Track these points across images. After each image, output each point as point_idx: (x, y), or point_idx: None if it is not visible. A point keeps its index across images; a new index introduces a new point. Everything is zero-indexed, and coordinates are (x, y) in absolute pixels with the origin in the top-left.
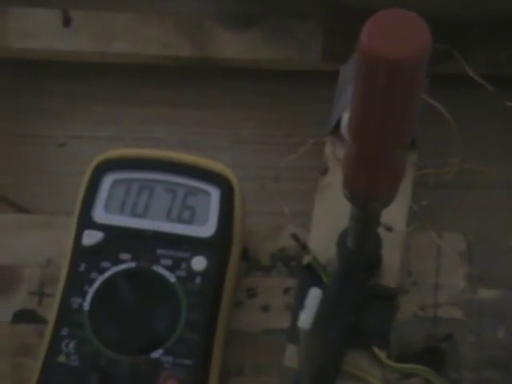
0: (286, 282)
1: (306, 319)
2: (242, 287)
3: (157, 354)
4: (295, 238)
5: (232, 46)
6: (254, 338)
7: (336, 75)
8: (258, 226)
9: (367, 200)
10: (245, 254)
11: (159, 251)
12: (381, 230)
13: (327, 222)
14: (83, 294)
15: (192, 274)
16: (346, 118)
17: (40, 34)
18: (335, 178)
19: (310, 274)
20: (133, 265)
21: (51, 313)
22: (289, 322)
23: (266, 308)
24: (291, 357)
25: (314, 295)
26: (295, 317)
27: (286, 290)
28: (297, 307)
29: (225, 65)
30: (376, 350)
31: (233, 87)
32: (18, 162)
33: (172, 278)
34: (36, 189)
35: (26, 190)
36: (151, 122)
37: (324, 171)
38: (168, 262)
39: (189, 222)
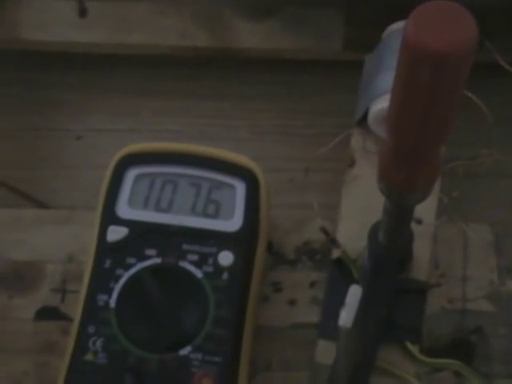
0: (312, 275)
1: (346, 317)
2: (268, 281)
3: (185, 351)
4: (324, 231)
5: (251, 36)
6: (281, 332)
7: (357, 64)
8: (281, 219)
9: (403, 195)
10: (269, 248)
11: (185, 246)
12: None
13: (355, 215)
14: (109, 291)
15: (219, 269)
16: (373, 109)
17: (56, 25)
18: (362, 171)
19: (340, 269)
20: (158, 261)
21: (76, 310)
22: (317, 316)
23: (292, 302)
24: (323, 353)
25: (354, 292)
26: (325, 312)
27: (312, 284)
28: (326, 302)
29: (243, 55)
30: (409, 344)
31: (252, 78)
32: (34, 156)
33: (199, 273)
34: (54, 183)
35: (44, 184)
36: (169, 114)
37: (351, 163)
38: (194, 258)
39: (214, 216)
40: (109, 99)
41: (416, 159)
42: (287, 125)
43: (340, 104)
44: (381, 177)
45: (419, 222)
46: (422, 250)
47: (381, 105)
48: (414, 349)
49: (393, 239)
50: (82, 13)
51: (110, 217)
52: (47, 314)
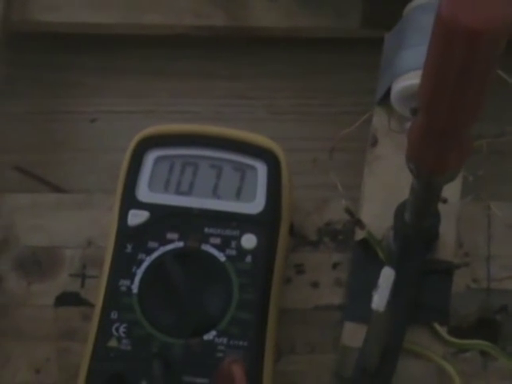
0: (335, 256)
1: (380, 301)
2: (290, 263)
3: (210, 336)
4: (349, 212)
5: (267, 15)
6: (304, 315)
7: (375, 42)
8: (301, 201)
9: (432, 174)
10: (290, 230)
11: (207, 230)
12: None
13: (379, 195)
14: (131, 276)
15: (242, 252)
16: (396, 87)
17: (69, 6)
18: (385, 150)
19: (364, 250)
20: (181, 244)
21: (98, 296)
22: (340, 298)
23: (315, 284)
24: (350, 335)
25: (387, 275)
26: (351, 294)
27: (335, 265)
28: (352, 284)
29: (260, 34)
30: (437, 326)
31: (268, 57)
32: (49, 139)
33: (222, 257)
34: (69, 167)
35: (59, 168)
36: (185, 95)
37: (373, 143)
38: (217, 241)
39: (236, 198)
40: (123, 81)
41: (447, 138)
42: (305, 104)
43: (358, 82)
44: (410, 156)
45: (444, 201)
46: (447, 229)
47: (404, 83)
48: (442, 330)
49: (420, 219)
50: None
51: (130, 200)
52: (67, 299)
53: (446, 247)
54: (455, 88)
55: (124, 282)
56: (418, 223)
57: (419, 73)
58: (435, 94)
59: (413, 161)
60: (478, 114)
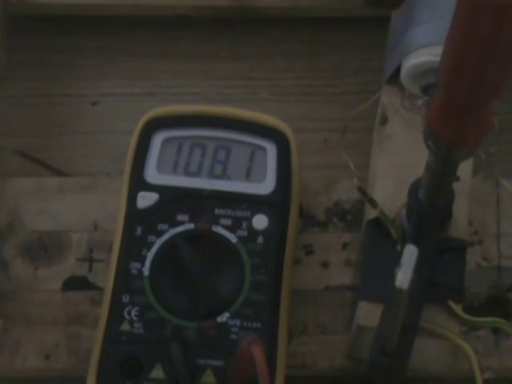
0: (344, 237)
1: (403, 278)
2: (299, 244)
3: (223, 318)
4: (362, 191)
5: None
6: (314, 295)
7: (379, 20)
8: (309, 181)
9: (450, 151)
10: (300, 211)
11: (217, 211)
12: None
13: (390, 174)
14: (142, 259)
15: (254, 233)
16: (406, 65)
17: None
18: (395, 128)
19: (376, 229)
20: (191, 226)
21: (108, 279)
22: (350, 278)
23: (325, 264)
24: (365, 315)
25: (411, 252)
26: (365, 274)
27: (345, 246)
28: (365, 264)
29: (262, 13)
30: (452, 303)
31: (271, 37)
32: (50, 122)
33: (233, 238)
34: (71, 150)
35: (61, 151)
36: (187, 76)
37: (383, 121)
38: (228, 222)
39: (246, 179)
40: (124, 63)
41: (467, 114)
42: (308, 84)
43: (362, 62)
44: (429, 132)
45: (457, 179)
46: (459, 207)
47: (414, 60)
48: (457, 308)
49: (435, 197)
50: None
51: (138, 183)
52: (75, 284)
53: (459, 225)
54: (477, 64)
55: (135, 265)
56: (432, 201)
57: (429, 50)
58: (457, 69)
59: (431, 137)
60: (499, 91)
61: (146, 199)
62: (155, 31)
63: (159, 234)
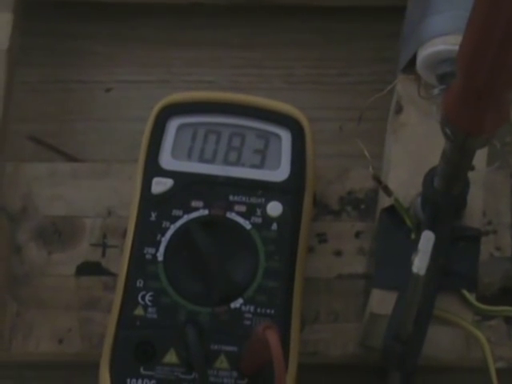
0: (357, 225)
1: (420, 264)
2: (312, 233)
3: (237, 304)
4: (377, 179)
5: None
6: (327, 283)
7: (394, 10)
8: (322, 170)
9: (468, 138)
10: (313, 199)
11: (232, 197)
12: None
13: (405, 162)
14: (156, 244)
15: (268, 220)
16: (422, 54)
17: None
18: (410, 117)
19: (390, 218)
20: (205, 212)
21: (122, 264)
22: (363, 266)
23: (338, 253)
24: (378, 303)
25: (428, 238)
26: (379, 262)
27: (358, 234)
28: (379, 252)
29: (276, 2)
30: (465, 292)
31: (284, 25)
32: (64, 109)
33: (247, 225)
34: (84, 136)
35: (74, 138)
36: (201, 64)
37: (398, 110)
38: (242, 209)
39: (260, 166)
40: (138, 50)
41: (486, 101)
42: (321, 74)
43: (375, 51)
44: (447, 119)
45: (472, 168)
46: (474, 196)
47: (431, 49)
48: (470, 296)
49: (450, 186)
50: None
51: (153, 168)
52: (88, 269)
53: (473, 215)
54: (498, 50)
55: (149, 250)
56: (448, 190)
57: (446, 39)
58: (476, 53)
59: (449, 124)
60: None
61: (160, 185)
62: (169, 18)
63: (173, 219)
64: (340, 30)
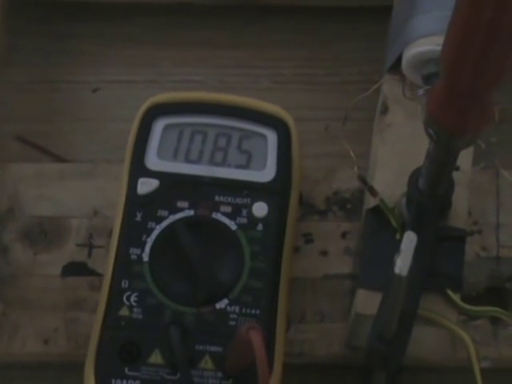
0: (343, 225)
1: (402, 265)
2: (298, 233)
3: (222, 304)
4: (362, 179)
5: None
6: (313, 283)
7: (382, 10)
8: (308, 170)
9: (452, 139)
10: (299, 199)
11: (218, 198)
12: None
13: (391, 163)
14: (141, 245)
15: (253, 220)
16: (408, 54)
17: None
18: (396, 118)
19: (376, 218)
20: (191, 213)
21: (107, 264)
22: (349, 267)
23: (324, 253)
24: (364, 303)
25: (410, 239)
26: (364, 262)
27: (344, 234)
28: (364, 252)
29: (264, 2)
30: (450, 292)
31: (272, 25)
32: (50, 109)
33: (233, 225)
34: (71, 137)
35: (61, 138)
36: (188, 64)
37: (384, 111)
38: (228, 209)
39: (246, 166)
40: (125, 50)
41: (469, 102)
42: (309, 73)
43: (363, 51)
44: (430, 120)
45: (457, 168)
46: (459, 197)
47: (416, 49)
48: (455, 297)
49: (434, 186)
50: None
51: (139, 169)
52: (74, 269)
53: (458, 215)
54: (480, 49)
55: (134, 251)
56: (432, 190)
57: (431, 39)
58: (459, 56)
59: (432, 125)
60: (501, 78)
61: (146, 185)
62: (157, 18)
63: (159, 220)
64: (328, 30)
